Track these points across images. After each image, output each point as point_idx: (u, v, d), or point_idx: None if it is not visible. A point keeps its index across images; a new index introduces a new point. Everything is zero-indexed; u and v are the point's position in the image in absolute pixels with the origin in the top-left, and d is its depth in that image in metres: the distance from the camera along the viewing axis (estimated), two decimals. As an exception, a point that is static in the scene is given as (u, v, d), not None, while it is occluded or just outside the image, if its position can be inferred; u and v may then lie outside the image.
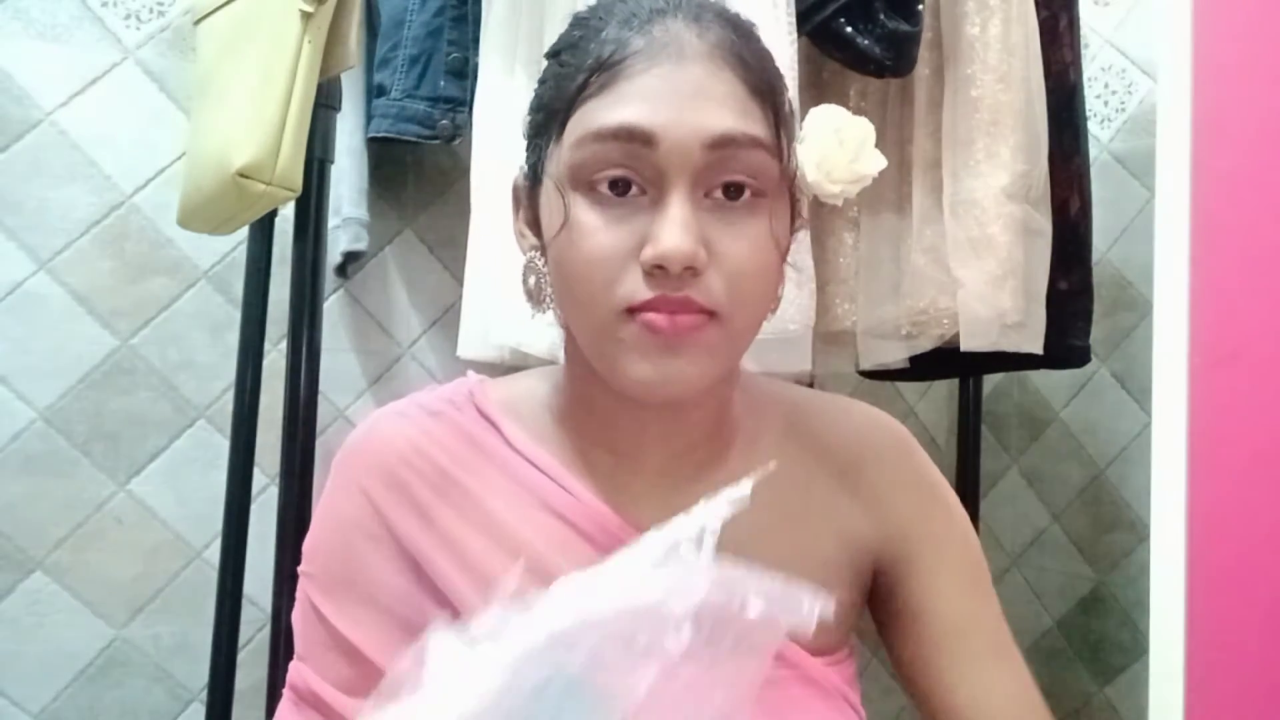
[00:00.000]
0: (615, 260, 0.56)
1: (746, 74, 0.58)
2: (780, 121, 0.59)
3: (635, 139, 0.55)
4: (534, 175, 0.63)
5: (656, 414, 0.63)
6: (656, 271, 0.55)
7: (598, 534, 0.64)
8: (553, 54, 0.63)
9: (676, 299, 0.55)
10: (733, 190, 0.57)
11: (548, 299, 0.63)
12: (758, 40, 0.61)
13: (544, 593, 0.47)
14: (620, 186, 0.56)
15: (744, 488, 0.51)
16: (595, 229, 0.56)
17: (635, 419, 0.64)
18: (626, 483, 0.66)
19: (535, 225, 0.63)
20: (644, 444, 0.65)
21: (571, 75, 0.58)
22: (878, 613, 0.71)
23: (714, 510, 0.51)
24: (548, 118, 0.60)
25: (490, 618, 0.47)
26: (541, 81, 0.63)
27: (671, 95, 0.55)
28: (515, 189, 0.66)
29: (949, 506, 0.70)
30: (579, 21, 0.62)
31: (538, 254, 0.63)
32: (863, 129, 0.63)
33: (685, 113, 0.55)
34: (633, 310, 0.56)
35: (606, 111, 0.56)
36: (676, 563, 0.49)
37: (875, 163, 0.64)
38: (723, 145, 0.56)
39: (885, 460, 0.70)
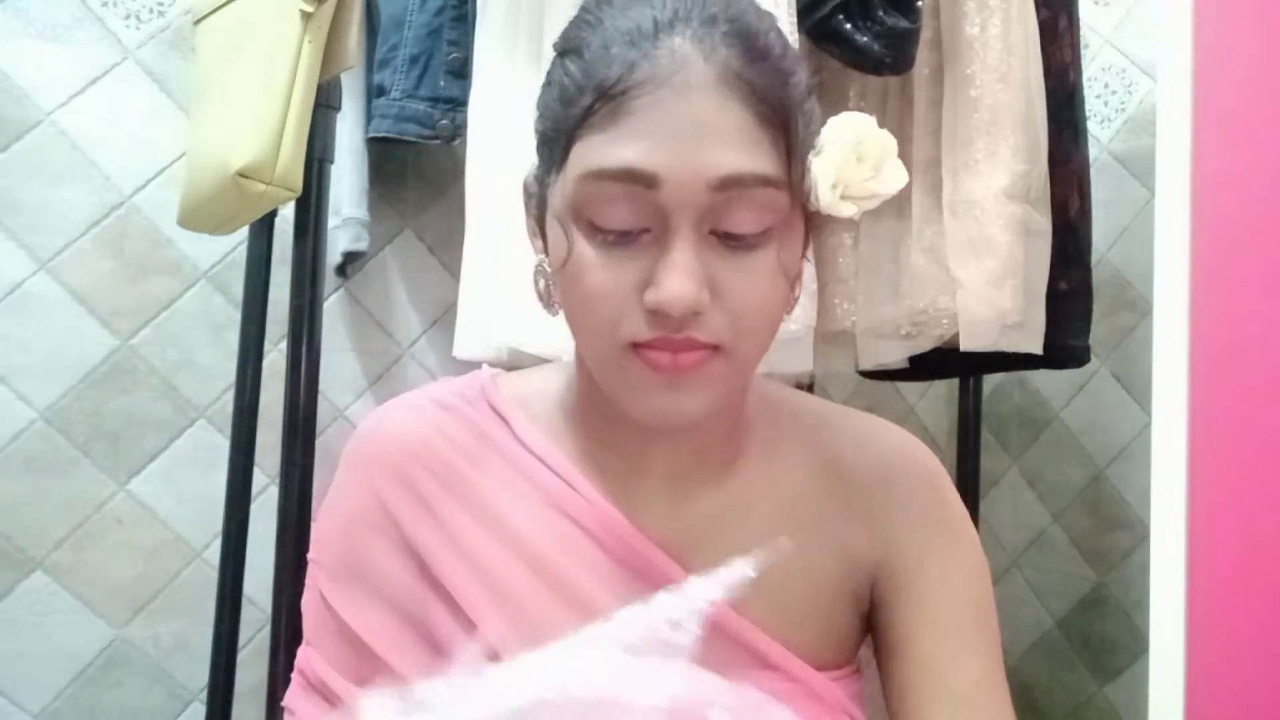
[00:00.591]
0: (618, 298, 0.55)
1: (756, 102, 0.54)
2: (792, 148, 0.56)
3: (638, 181, 0.53)
4: (541, 186, 0.62)
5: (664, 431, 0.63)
6: (659, 313, 0.54)
7: (605, 535, 0.64)
8: (561, 52, 0.60)
9: (679, 339, 0.55)
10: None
11: (557, 303, 0.62)
12: (774, 51, 0.57)
13: (503, 666, 0.45)
14: (622, 225, 0.55)
15: (744, 569, 0.49)
16: (598, 266, 0.55)
17: (643, 428, 0.63)
18: (635, 486, 0.65)
19: (544, 231, 0.62)
20: (652, 451, 0.65)
21: (574, 94, 0.56)
22: (874, 641, 0.69)
23: (705, 591, 0.48)
24: (553, 135, 0.58)
25: (436, 684, 0.44)
26: (548, 83, 0.60)
27: (676, 132, 0.53)
28: (526, 188, 0.64)
29: (959, 543, 0.67)
30: (585, 20, 0.59)
31: (547, 258, 0.62)
32: (884, 143, 0.59)
33: (689, 152, 0.53)
34: (636, 346, 0.56)
35: (608, 150, 0.54)
36: (652, 647, 0.45)
37: (896, 181, 0.59)
38: (729, 186, 0.54)
39: (901, 486, 0.67)
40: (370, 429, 0.69)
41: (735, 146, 0.54)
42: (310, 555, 0.69)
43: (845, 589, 0.67)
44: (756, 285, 0.56)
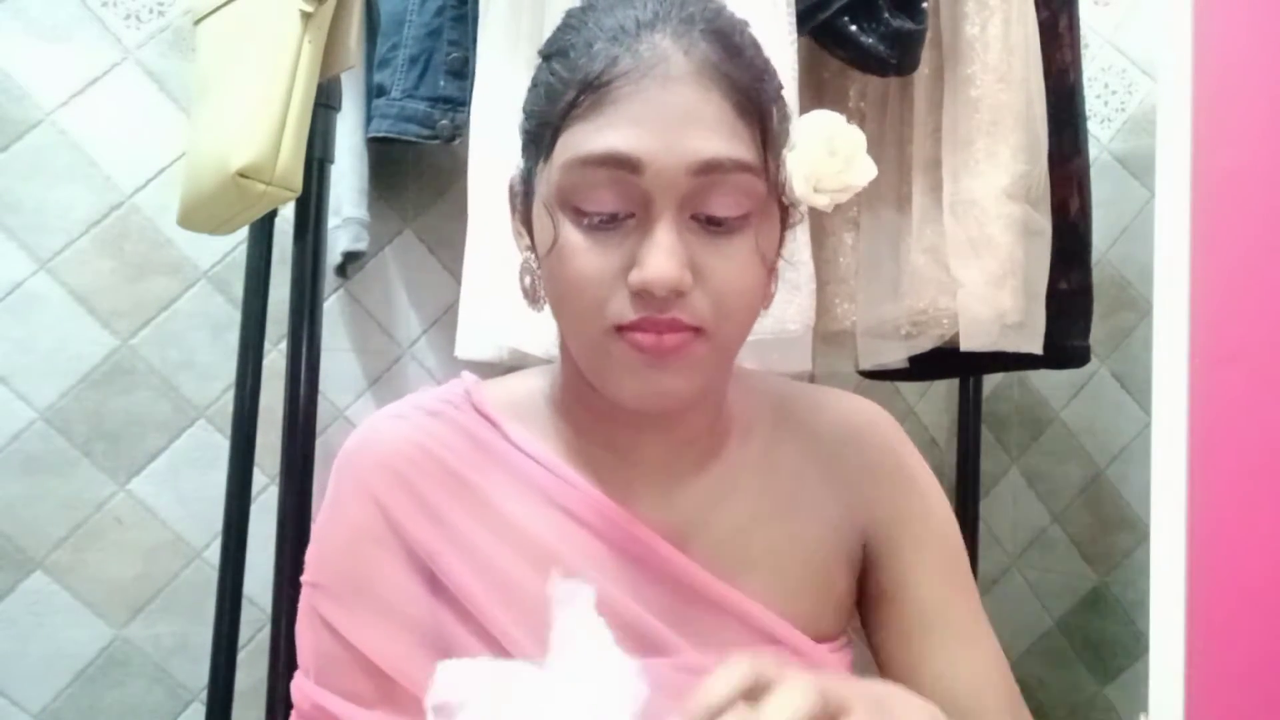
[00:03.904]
0: (603, 281, 0.57)
1: (734, 94, 0.57)
2: (768, 139, 0.60)
3: (622, 165, 0.56)
4: (527, 184, 0.63)
5: (652, 415, 0.64)
6: (644, 293, 0.56)
7: (603, 526, 0.64)
8: (546, 56, 0.63)
9: (663, 320, 0.56)
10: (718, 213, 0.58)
11: (543, 298, 0.64)
12: (748, 49, 0.60)
13: None
14: (607, 210, 0.57)
15: None
16: (583, 251, 0.57)
17: (631, 418, 0.64)
18: (627, 476, 0.66)
19: (531, 226, 0.64)
20: (641, 441, 0.66)
21: (560, 90, 0.58)
22: (859, 596, 0.72)
23: None
24: (539, 130, 0.61)
25: None
26: (534, 85, 0.63)
27: (658, 120, 0.56)
28: (512, 188, 0.67)
29: (926, 494, 0.72)
30: (570, 24, 0.62)
31: (533, 254, 0.64)
32: (855, 138, 0.62)
33: (672, 138, 0.55)
34: (621, 329, 0.57)
35: (593, 137, 0.56)
36: None
37: (866, 174, 0.63)
38: (709, 171, 0.56)
39: (865, 447, 0.71)
40: (360, 442, 0.68)
41: (714, 134, 0.56)
42: (306, 579, 0.67)
43: (839, 552, 0.70)
44: (736, 268, 0.58)
